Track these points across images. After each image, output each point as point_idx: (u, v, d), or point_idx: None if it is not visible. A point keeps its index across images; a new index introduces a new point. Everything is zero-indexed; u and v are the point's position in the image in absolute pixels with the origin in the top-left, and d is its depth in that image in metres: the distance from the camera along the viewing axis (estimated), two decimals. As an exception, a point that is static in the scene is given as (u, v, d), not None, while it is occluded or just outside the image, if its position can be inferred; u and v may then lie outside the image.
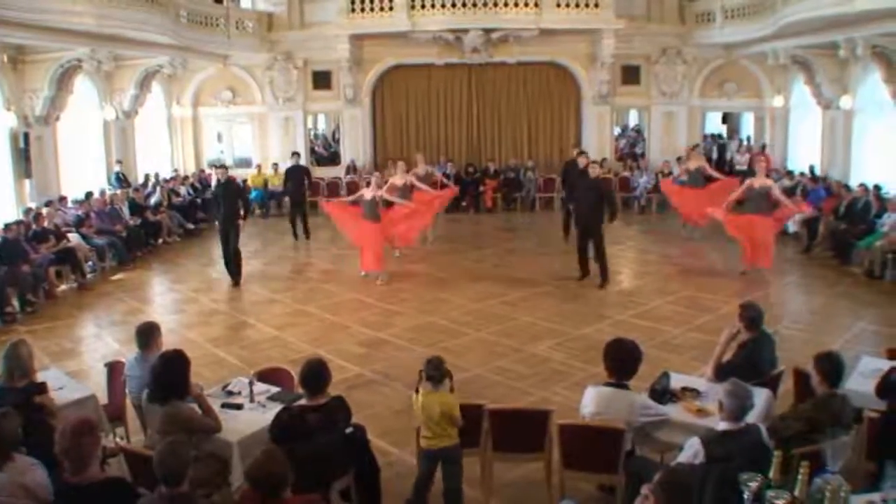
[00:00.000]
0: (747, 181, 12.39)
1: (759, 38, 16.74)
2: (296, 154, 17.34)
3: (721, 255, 13.55)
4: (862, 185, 14.26)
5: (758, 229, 11.82)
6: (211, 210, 15.47)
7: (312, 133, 22.11)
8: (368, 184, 12.77)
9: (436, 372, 5.14)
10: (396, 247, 13.70)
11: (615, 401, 5.08)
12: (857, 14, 12.55)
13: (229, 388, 5.94)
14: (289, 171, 16.77)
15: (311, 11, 19.48)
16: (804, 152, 18.77)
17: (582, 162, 12.76)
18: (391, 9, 17.99)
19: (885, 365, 5.74)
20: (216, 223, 13.64)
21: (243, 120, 20.87)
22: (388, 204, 12.87)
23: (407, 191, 13.61)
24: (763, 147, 19.63)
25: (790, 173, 17.40)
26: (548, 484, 5.43)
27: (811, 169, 17.63)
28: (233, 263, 12.32)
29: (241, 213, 12.32)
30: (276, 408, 5.24)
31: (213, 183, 13.87)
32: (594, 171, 11.85)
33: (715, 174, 15.46)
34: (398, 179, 13.64)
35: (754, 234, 11.88)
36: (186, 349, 5.52)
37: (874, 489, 4.29)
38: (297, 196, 16.20)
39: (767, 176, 12.72)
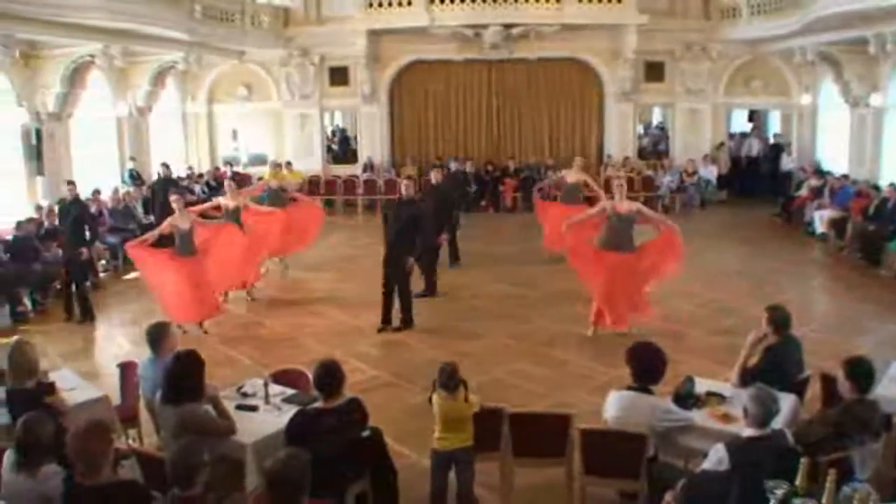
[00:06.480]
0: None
1: (786, 34, 16.37)
2: (71, 184, 11.16)
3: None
4: (891, 185, 13.87)
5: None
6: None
7: (331, 129, 21.95)
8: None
9: (450, 381, 5.01)
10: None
11: (637, 405, 5.04)
12: (887, 8, 12.25)
13: (244, 389, 5.82)
14: (62, 209, 11.12)
15: (327, 6, 19.28)
16: (832, 151, 18.40)
17: (436, 177, 12.31)
18: (409, 3, 17.77)
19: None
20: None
21: (258, 117, 20.64)
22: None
23: (234, 216, 10.82)
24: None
25: (818, 172, 17.13)
26: (569, 490, 5.33)
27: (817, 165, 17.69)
28: None
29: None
30: (292, 410, 5.12)
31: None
32: (409, 190, 9.80)
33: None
34: (229, 200, 11.00)
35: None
36: (200, 349, 5.39)
37: (903, 499, 4.18)
38: (72, 247, 10.52)
39: None
